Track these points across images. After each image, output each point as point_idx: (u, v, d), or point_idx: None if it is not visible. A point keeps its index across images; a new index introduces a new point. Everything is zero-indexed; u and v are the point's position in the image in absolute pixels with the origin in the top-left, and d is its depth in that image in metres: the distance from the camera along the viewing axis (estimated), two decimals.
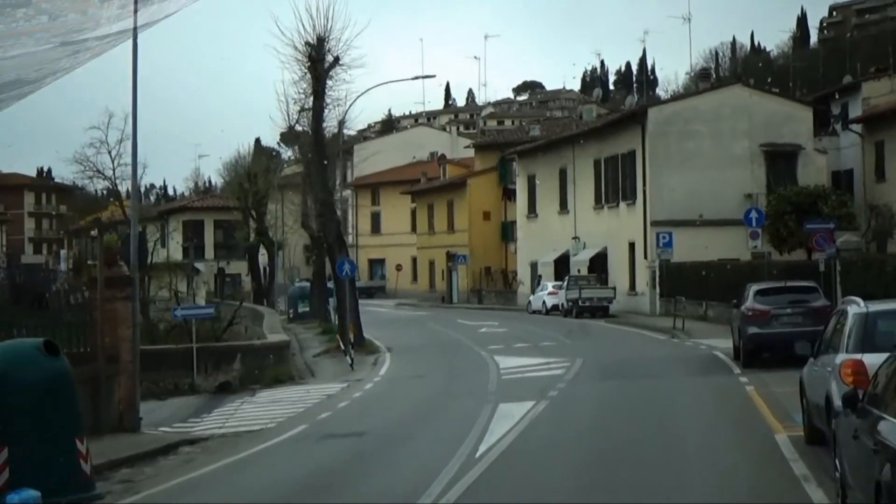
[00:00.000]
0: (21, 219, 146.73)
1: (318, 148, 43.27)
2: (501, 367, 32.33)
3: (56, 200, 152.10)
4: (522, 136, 78.27)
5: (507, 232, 76.27)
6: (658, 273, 53.54)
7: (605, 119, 65.91)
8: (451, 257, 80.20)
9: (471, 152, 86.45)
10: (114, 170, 79.91)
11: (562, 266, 64.18)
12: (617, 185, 58.70)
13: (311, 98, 43.00)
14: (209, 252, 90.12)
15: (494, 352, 37.33)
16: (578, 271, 61.65)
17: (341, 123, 48.11)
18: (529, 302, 62.99)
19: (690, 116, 55.01)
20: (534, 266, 68.52)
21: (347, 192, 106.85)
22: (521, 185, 71.45)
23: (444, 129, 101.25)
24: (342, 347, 39.05)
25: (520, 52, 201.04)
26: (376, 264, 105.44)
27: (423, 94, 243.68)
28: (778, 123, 55.39)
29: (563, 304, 57.64)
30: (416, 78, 69.97)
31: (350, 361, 36.71)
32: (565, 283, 57.94)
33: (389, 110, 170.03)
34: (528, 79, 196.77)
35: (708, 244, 52.81)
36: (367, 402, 26.57)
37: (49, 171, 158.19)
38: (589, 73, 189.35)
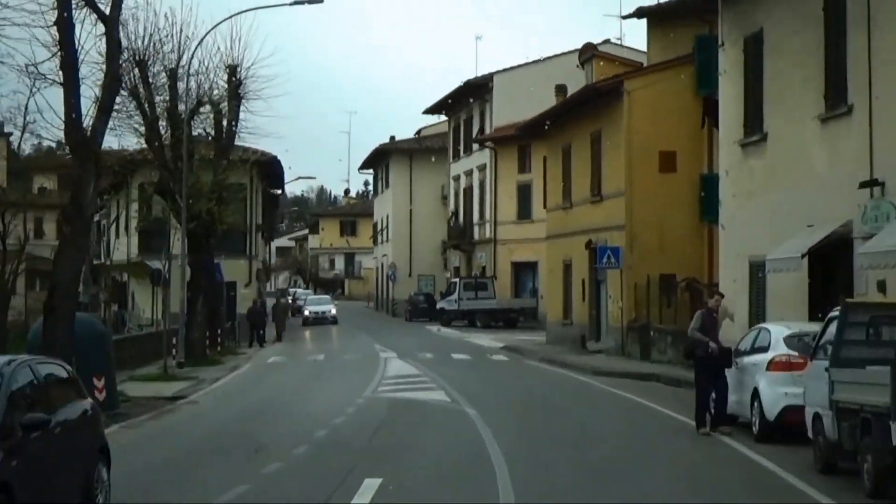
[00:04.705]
0: None
1: None
2: None
3: None
4: None
5: (712, 197, 33.34)
6: None
7: None
8: (593, 253, 37.68)
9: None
10: None
11: (839, 266, 21.32)
12: None
13: None
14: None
15: None
16: (882, 287, 18.71)
17: None
18: (710, 396, 19.49)
19: None
20: (756, 268, 25.53)
21: (484, 154, 65.77)
22: (732, 62, 28.09)
23: None
24: None
25: None
26: (525, 271, 63.50)
27: None
28: None
29: (831, 423, 14.45)
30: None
31: None
32: (835, 325, 14.76)
33: None
34: None
35: None
36: None
37: None
38: None
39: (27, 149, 56.67)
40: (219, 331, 39.90)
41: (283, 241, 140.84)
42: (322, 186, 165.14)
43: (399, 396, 24.54)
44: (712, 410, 18.52)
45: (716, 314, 19.20)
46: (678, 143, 35.85)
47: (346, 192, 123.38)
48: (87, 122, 21.66)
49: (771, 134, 25.69)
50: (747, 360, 18.22)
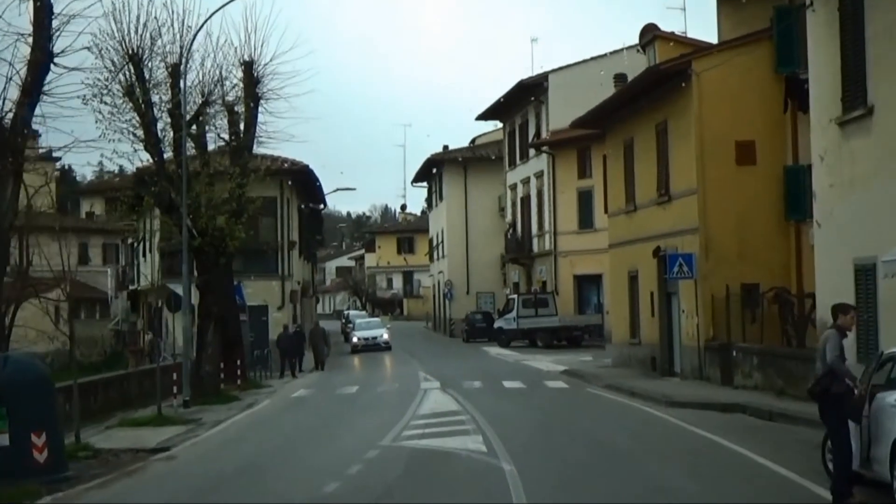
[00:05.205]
0: None
1: None
2: None
3: None
4: None
5: (800, 191, 28.49)
6: None
7: None
8: (662, 261, 32.70)
9: None
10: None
11: None
12: None
13: None
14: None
15: None
16: None
17: None
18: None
19: None
20: (863, 273, 20.54)
21: (541, 160, 60.96)
22: (823, 24, 23.08)
23: None
24: None
25: None
26: (588, 284, 58.56)
27: None
28: None
29: None
30: None
31: None
32: None
33: None
34: None
35: None
36: None
37: None
38: None
39: None
40: (238, 362, 35.28)
41: (342, 261, 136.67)
42: (386, 205, 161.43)
43: (423, 445, 19.72)
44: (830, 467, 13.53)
45: (847, 336, 13.87)
46: (757, 131, 30.86)
47: (403, 207, 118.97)
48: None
49: (878, 107, 20.66)
50: (879, 398, 13.16)
